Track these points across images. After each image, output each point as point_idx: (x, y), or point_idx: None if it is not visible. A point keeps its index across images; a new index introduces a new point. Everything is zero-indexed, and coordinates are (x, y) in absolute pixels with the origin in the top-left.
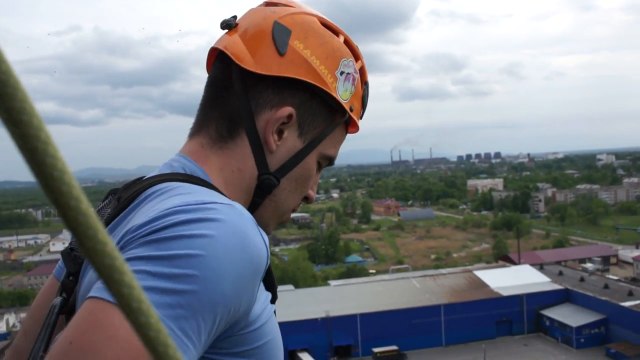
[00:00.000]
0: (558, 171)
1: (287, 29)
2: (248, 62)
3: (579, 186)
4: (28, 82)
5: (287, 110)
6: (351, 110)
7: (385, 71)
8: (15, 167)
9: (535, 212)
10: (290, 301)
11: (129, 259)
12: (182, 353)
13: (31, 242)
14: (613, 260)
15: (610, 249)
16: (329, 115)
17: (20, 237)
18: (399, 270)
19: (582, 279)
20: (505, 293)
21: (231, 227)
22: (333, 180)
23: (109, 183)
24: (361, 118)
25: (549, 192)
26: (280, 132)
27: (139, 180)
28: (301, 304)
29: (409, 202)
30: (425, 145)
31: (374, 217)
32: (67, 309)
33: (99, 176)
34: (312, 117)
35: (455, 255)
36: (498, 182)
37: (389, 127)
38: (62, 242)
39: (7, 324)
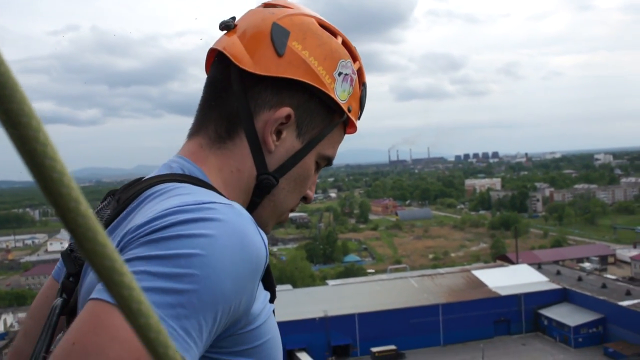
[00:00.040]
0: (556, 171)
1: (285, 30)
2: (247, 63)
3: (576, 186)
4: (26, 81)
5: (286, 110)
6: (349, 110)
7: (383, 71)
8: (13, 167)
9: (533, 211)
10: (288, 301)
11: (129, 260)
12: (184, 352)
13: (29, 242)
14: (611, 259)
15: (608, 249)
16: (327, 115)
17: (17, 237)
18: (397, 270)
19: (580, 279)
20: (503, 292)
21: (230, 227)
22: (331, 179)
23: (107, 183)
24: (359, 119)
25: (547, 192)
26: (278, 133)
27: (138, 181)
28: (299, 303)
29: (407, 202)
30: (423, 145)
31: (371, 217)
32: (68, 310)
33: (97, 176)
34: (311, 117)
35: (453, 254)
36: (496, 182)
37: (386, 127)
38: (59, 241)
39: (5, 324)
